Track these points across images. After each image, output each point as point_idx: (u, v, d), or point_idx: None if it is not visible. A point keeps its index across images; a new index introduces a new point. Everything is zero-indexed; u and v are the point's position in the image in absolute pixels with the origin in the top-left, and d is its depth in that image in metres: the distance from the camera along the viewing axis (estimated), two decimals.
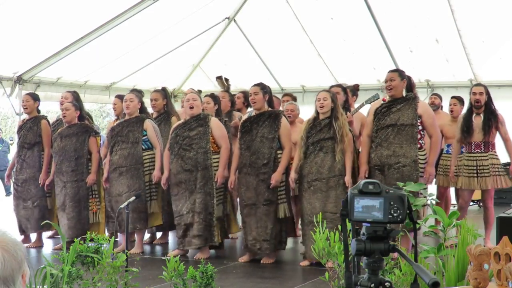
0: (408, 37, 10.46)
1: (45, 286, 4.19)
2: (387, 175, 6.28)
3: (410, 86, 6.54)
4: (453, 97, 8.19)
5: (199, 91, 8.05)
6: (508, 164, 7.27)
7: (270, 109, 6.77)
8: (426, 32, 10.26)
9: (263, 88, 6.71)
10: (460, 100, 8.07)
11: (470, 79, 10.73)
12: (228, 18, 11.31)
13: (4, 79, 9.87)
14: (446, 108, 8.50)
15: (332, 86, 7.23)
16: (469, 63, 10.60)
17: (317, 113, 6.44)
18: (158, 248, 7.66)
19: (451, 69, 10.81)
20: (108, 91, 11.45)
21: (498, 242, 3.17)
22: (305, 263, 6.39)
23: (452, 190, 7.99)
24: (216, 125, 6.84)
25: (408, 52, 10.73)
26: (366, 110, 7.47)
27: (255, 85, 6.75)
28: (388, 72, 6.56)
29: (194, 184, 6.74)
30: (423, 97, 9.60)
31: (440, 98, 8.60)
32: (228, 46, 11.73)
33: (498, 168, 6.95)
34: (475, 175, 6.96)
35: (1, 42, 9.01)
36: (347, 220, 2.11)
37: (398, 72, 6.55)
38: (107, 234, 7.29)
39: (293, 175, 6.45)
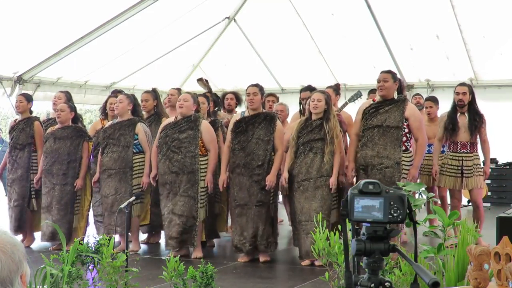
0: (408, 34, 10.43)
1: (45, 286, 4.19)
2: (370, 176, 6.34)
3: (401, 88, 6.58)
4: (427, 99, 8.28)
5: (179, 89, 8.13)
6: (508, 164, 7.27)
7: (264, 110, 6.77)
8: (427, 28, 10.24)
9: (261, 89, 6.72)
10: (434, 101, 8.21)
11: (470, 78, 10.70)
12: (228, 17, 11.31)
13: (4, 79, 9.86)
14: (442, 108, 8.49)
15: (303, 89, 7.27)
16: (469, 60, 10.55)
17: (310, 113, 6.44)
18: (152, 247, 7.68)
19: (452, 67, 10.78)
20: (108, 91, 11.43)
21: (498, 242, 3.17)
22: (306, 262, 6.39)
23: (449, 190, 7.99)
24: (206, 129, 6.82)
25: (408, 50, 10.72)
26: (349, 109, 7.52)
27: (254, 85, 6.71)
28: (381, 73, 6.58)
29: (178, 187, 6.74)
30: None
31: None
32: (228, 46, 11.73)
33: (480, 169, 7.03)
34: (460, 175, 6.98)
35: (1, 42, 9.01)
36: (347, 220, 2.11)
37: (391, 73, 6.60)
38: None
39: (285, 174, 6.46)
